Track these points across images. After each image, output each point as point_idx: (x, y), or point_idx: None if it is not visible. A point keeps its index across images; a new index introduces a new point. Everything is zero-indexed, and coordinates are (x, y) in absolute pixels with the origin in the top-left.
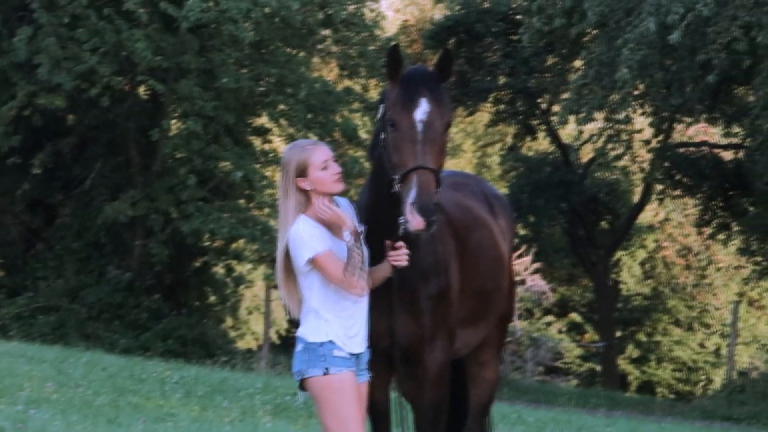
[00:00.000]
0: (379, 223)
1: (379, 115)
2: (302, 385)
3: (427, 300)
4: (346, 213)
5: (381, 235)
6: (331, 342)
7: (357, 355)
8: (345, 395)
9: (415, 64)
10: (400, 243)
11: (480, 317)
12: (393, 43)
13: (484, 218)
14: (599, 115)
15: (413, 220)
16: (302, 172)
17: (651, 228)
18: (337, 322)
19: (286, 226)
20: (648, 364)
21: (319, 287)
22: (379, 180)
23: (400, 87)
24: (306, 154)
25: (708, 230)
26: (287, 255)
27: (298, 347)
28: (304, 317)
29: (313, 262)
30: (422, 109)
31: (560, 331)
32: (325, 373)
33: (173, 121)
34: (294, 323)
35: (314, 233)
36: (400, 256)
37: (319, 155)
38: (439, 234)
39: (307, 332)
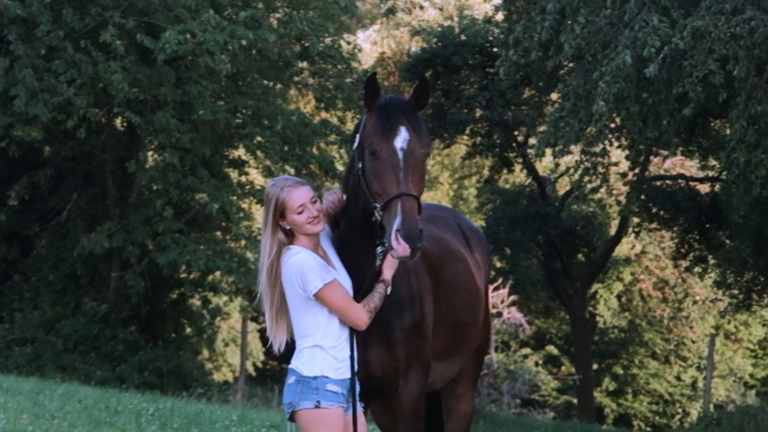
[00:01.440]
0: (352, 253)
1: (355, 145)
2: (292, 417)
3: (402, 332)
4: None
5: (354, 266)
6: (324, 376)
7: (345, 383)
8: (333, 430)
9: (391, 94)
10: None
11: (455, 350)
12: (371, 72)
13: (460, 251)
14: (576, 148)
15: (399, 247)
16: (281, 212)
17: (627, 261)
18: (331, 353)
19: (268, 260)
20: (624, 397)
21: (325, 319)
22: (353, 210)
23: (378, 116)
24: (284, 195)
25: (684, 263)
26: (274, 288)
27: (290, 379)
28: (299, 350)
29: (322, 292)
30: (402, 137)
31: (537, 364)
32: (316, 406)
33: (150, 153)
34: (271, 355)
35: (320, 262)
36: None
37: (295, 198)
38: (414, 267)
39: (301, 365)
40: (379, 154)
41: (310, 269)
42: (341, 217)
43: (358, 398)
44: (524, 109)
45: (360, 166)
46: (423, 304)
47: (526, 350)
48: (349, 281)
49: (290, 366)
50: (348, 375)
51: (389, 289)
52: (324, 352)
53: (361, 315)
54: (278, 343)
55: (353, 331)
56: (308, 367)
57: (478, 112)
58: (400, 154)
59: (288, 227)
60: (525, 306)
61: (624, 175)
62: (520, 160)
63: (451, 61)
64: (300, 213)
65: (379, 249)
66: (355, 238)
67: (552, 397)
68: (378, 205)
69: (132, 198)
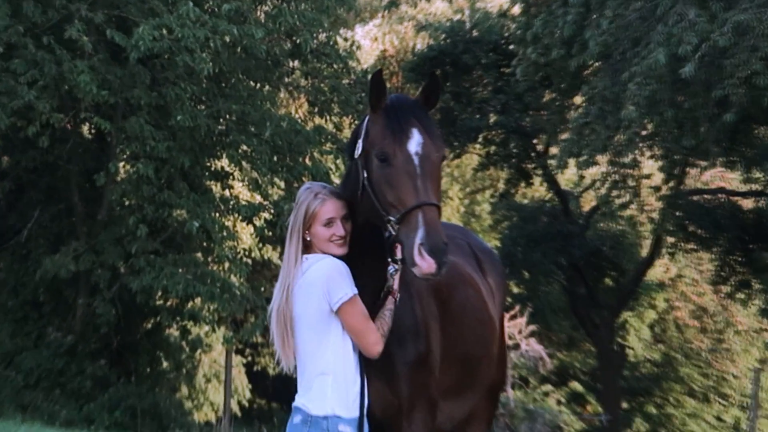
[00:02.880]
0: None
1: (358, 152)
2: None
3: (404, 366)
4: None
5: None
6: (336, 416)
7: (354, 422)
8: None
9: (395, 93)
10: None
11: (466, 387)
12: (376, 69)
13: (471, 275)
14: (602, 159)
15: (423, 263)
16: (309, 221)
17: (661, 286)
18: (344, 387)
19: (289, 269)
20: None
21: (340, 343)
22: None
23: (386, 117)
24: (316, 203)
25: (725, 289)
26: (289, 301)
27: (295, 419)
28: (307, 384)
29: (348, 304)
30: (416, 140)
31: (559, 402)
32: None
33: (121, 164)
34: (260, 392)
35: (349, 273)
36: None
37: (328, 209)
38: (418, 292)
39: (309, 402)
40: (392, 159)
41: (341, 275)
42: None
43: None
44: (544, 114)
45: (365, 175)
46: (429, 334)
47: (547, 387)
48: None
49: (295, 404)
50: (357, 413)
51: (398, 299)
52: (336, 385)
53: (378, 341)
54: (287, 363)
55: (362, 361)
56: (317, 405)
57: (492, 118)
58: (416, 159)
59: (309, 239)
60: (546, 337)
61: (657, 188)
62: (539, 171)
63: (462, 60)
64: (327, 226)
65: (392, 269)
66: (352, 259)
67: None
68: (392, 218)
69: (101, 215)
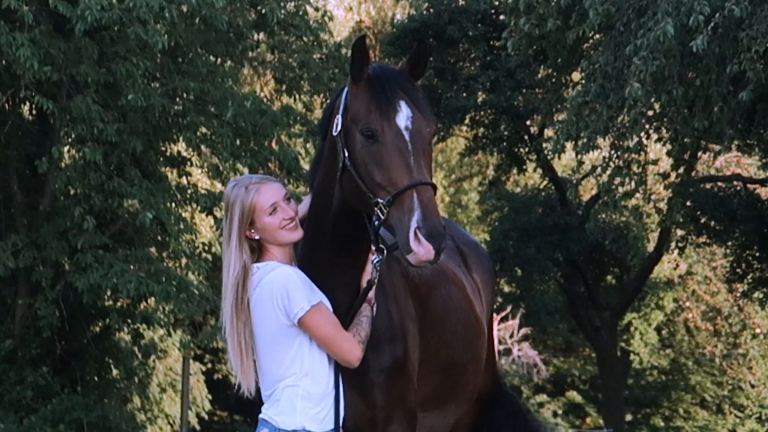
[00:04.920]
0: (319, 273)
1: (337, 129)
2: None
3: (379, 373)
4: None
5: (322, 289)
6: (306, 430)
7: None
8: None
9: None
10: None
11: (448, 397)
12: (360, 35)
13: (453, 272)
14: (604, 142)
15: (420, 249)
16: (249, 218)
17: (669, 284)
18: (315, 399)
19: (233, 281)
20: None
21: (308, 354)
22: (322, 216)
23: (370, 89)
24: (251, 196)
25: (741, 287)
26: (242, 316)
27: None
28: (274, 395)
29: (308, 316)
30: (405, 114)
31: (555, 414)
32: None
33: (66, 149)
34: (221, 403)
35: (305, 279)
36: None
37: (265, 197)
38: (394, 291)
39: (277, 415)
40: (380, 135)
41: (294, 287)
42: (306, 227)
43: None
44: (539, 92)
45: (346, 154)
46: (406, 338)
47: (542, 397)
48: (330, 306)
49: (261, 416)
50: (331, 426)
51: (375, 309)
52: (306, 398)
53: (353, 348)
54: (247, 385)
55: (338, 370)
56: (286, 418)
57: (481, 97)
58: (407, 135)
59: (256, 237)
60: (540, 341)
61: (665, 175)
62: (533, 156)
63: (447, 32)
64: (272, 214)
65: (376, 258)
66: (322, 254)
67: None
68: (381, 201)
69: (43, 205)
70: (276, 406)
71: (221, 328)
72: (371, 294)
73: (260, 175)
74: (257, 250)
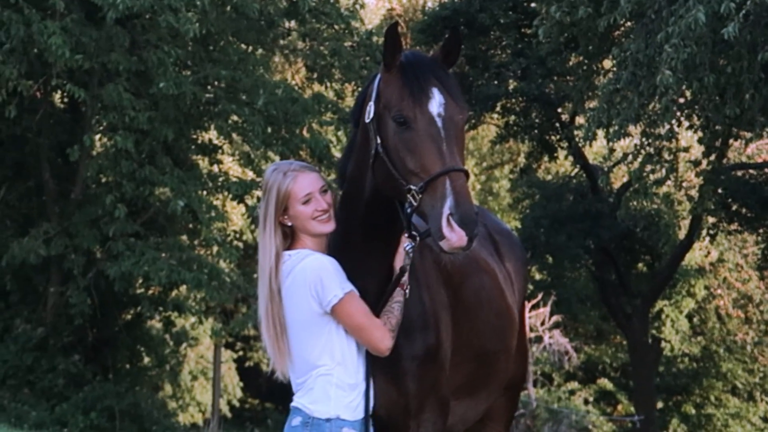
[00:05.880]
0: (350, 262)
1: (369, 116)
2: None
3: (412, 361)
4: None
5: (353, 278)
6: (340, 418)
7: (359, 425)
8: None
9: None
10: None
11: (480, 385)
12: (393, 22)
13: (486, 260)
14: (635, 129)
15: (453, 235)
16: (283, 204)
17: (701, 272)
18: (349, 387)
19: (268, 267)
20: None
21: (340, 343)
22: (354, 204)
23: (403, 76)
24: (288, 182)
25: None
26: (279, 303)
27: (294, 421)
28: (307, 383)
29: (342, 304)
30: (437, 101)
31: (586, 402)
32: None
33: (97, 137)
34: (253, 391)
35: (338, 267)
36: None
37: (301, 185)
38: (426, 279)
39: (311, 403)
40: (413, 122)
41: (328, 275)
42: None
43: None
44: (570, 80)
45: (378, 141)
46: (438, 326)
47: (573, 384)
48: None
49: (294, 404)
50: (362, 414)
51: (408, 292)
52: (340, 386)
53: (384, 337)
54: (282, 369)
55: (368, 359)
56: (320, 407)
57: (512, 84)
58: (439, 122)
59: (289, 224)
60: (571, 329)
61: (696, 163)
62: (564, 144)
63: (478, 20)
64: (306, 203)
65: (408, 245)
66: (354, 240)
67: None
68: (414, 187)
69: (75, 193)
70: (310, 394)
71: (253, 315)
72: (404, 279)
73: (301, 163)
74: (290, 237)
